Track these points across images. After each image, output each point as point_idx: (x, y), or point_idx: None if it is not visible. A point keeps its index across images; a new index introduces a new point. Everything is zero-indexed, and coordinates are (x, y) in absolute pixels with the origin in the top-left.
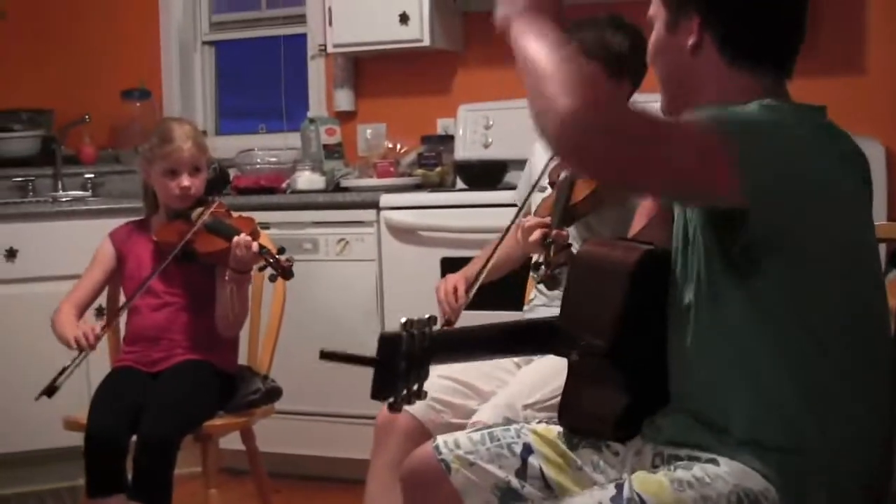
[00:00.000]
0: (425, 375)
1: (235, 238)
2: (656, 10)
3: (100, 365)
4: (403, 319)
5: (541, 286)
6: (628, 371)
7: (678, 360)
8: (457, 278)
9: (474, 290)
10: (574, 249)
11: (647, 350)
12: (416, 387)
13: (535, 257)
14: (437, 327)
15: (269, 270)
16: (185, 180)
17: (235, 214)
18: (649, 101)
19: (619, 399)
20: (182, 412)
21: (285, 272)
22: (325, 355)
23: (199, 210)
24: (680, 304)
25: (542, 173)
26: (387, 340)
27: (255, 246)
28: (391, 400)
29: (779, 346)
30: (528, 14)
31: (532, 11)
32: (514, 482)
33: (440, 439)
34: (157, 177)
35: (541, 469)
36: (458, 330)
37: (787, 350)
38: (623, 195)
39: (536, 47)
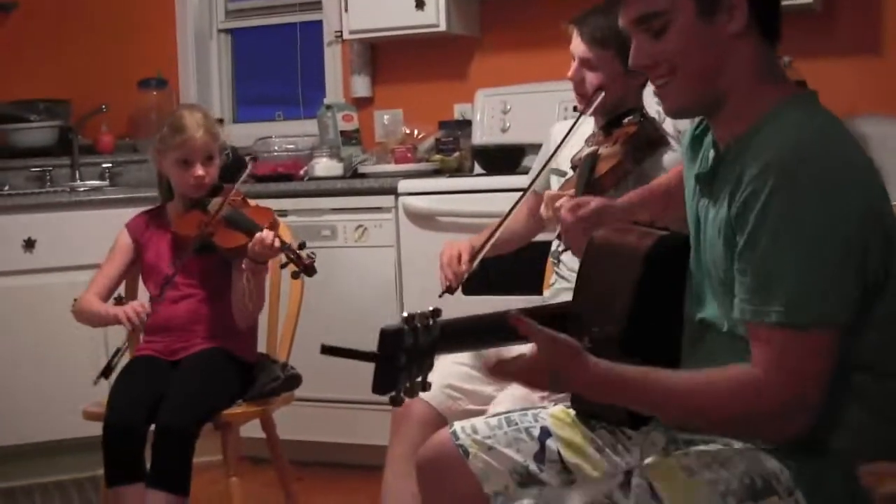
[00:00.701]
0: (429, 367)
1: (257, 235)
2: (671, 4)
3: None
4: (405, 314)
5: (560, 269)
6: (641, 358)
7: (693, 362)
8: (462, 245)
9: (478, 260)
10: None
11: (661, 337)
12: (419, 379)
13: (554, 242)
14: (440, 316)
15: (291, 267)
16: (199, 170)
17: (252, 203)
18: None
19: None
20: (201, 401)
21: (308, 269)
22: (326, 350)
23: (217, 201)
24: (695, 308)
25: (554, 153)
26: (388, 335)
27: (276, 242)
28: (392, 394)
29: None
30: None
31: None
32: (533, 466)
33: (457, 425)
34: (170, 167)
35: (559, 452)
36: (465, 319)
37: None
38: (644, 169)
39: (656, 398)
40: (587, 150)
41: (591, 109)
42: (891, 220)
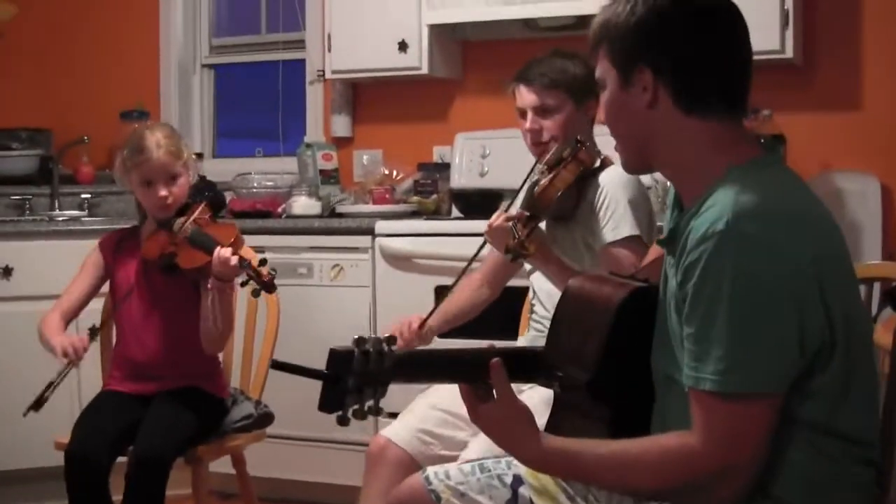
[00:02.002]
0: (382, 393)
1: (215, 252)
2: (605, 72)
3: (92, 383)
4: (356, 336)
5: (534, 316)
6: (610, 405)
7: (660, 415)
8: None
9: (425, 329)
10: (541, 226)
11: (630, 386)
12: (370, 403)
13: (530, 291)
14: (395, 344)
15: (252, 284)
16: (162, 190)
17: (219, 222)
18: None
19: (599, 432)
20: (176, 432)
21: (267, 286)
22: (276, 365)
23: (181, 220)
24: (661, 363)
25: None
26: (336, 355)
27: (234, 260)
28: (339, 414)
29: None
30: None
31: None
32: None
33: (430, 470)
34: (135, 187)
35: (531, 500)
36: (426, 352)
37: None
38: (572, 202)
39: (597, 471)
40: (528, 185)
41: (550, 155)
42: (839, 282)
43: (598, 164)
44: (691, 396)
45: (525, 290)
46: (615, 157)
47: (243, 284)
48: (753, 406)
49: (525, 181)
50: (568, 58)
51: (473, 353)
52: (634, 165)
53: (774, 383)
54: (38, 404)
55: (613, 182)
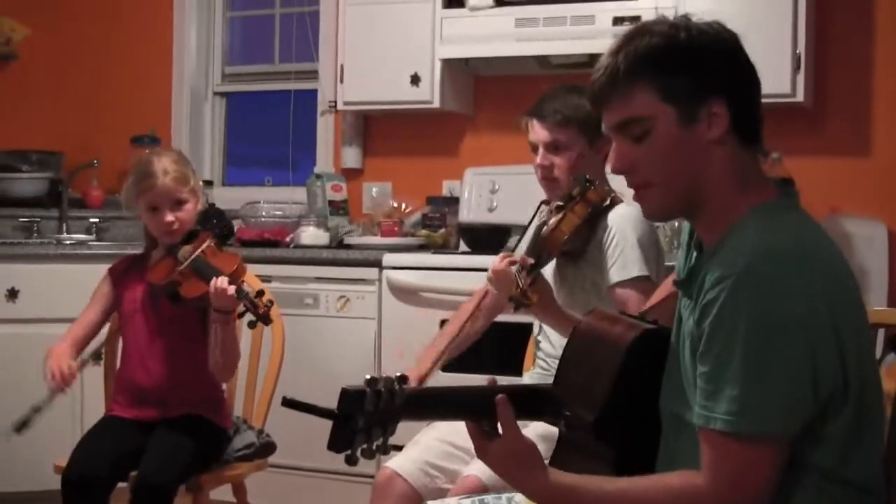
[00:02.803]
0: (391, 432)
1: (213, 282)
2: (649, 108)
3: (94, 407)
4: (368, 376)
5: (540, 354)
6: (614, 446)
7: (668, 456)
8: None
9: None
10: (549, 267)
11: (636, 427)
12: (380, 442)
13: (535, 327)
14: (406, 383)
15: (248, 316)
16: (168, 216)
17: (225, 251)
18: None
19: (603, 472)
20: (180, 459)
21: (263, 318)
22: (287, 403)
23: (188, 249)
24: (672, 405)
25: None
26: (347, 395)
27: (231, 290)
28: (348, 453)
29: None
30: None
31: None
32: None
33: None
34: (142, 212)
35: None
36: (435, 389)
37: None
38: (581, 241)
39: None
40: (535, 225)
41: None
42: (854, 326)
43: (607, 202)
44: (701, 435)
45: (528, 326)
46: (626, 194)
47: (240, 315)
48: (763, 448)
49: (532, 220)
50: (583, 94)
51: (482, 391)
52: (671, 212)
53: (786, 426)
54: (20, 427)
55: (622, 221)
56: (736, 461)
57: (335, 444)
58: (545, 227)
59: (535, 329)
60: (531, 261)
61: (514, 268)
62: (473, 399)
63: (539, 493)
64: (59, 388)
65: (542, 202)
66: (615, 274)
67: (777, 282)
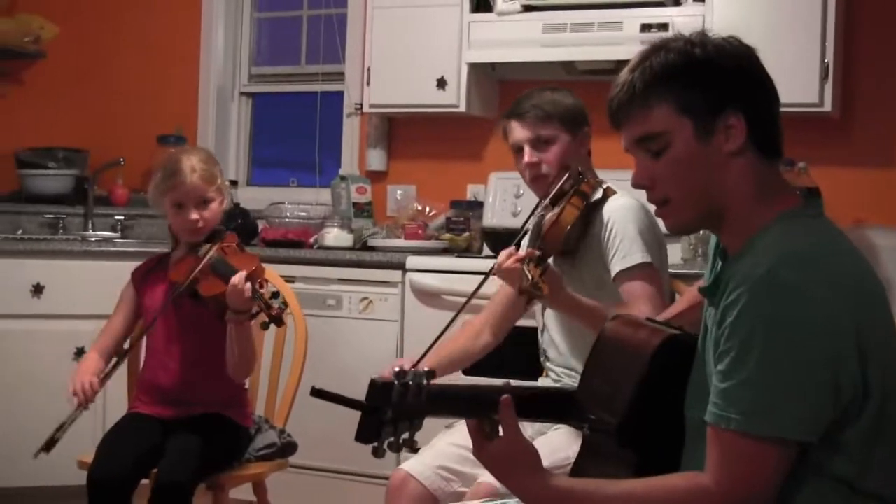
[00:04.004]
0: (417, 427)
1: (230, 282)
2: (666, 122)
3: (117, 404)
4: (397, 368)
5: (549, 364)
6: (638, 451)
7: (691, 463)
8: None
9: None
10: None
11: (659, 433)
12: (405, 436)
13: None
14: (434, 378)
15: (262, 317)
16: (193, 213)
17: (245, 251)
18: None
19: (625, 478)
20: (199, 459)
21: (276, 320)
22: (316, 392)
23: (207, 247)
24: (697, 412)
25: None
26: (376, 386)
27: (247, 290)
28: (374, 445)
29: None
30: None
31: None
32: None
33: None
34: (167, 209)
35: None
36: (461, 387)
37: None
38: (579, 236)
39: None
40: (533, 221)
41: (555, 189)
42: (878, 335)
43: (599, 194)
44: (711, 433)
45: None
46: (618, 187)
47: (253, 316)
48: (773, 450)
49: (528, 219)
50: (555, 90)
51: (515, 391)
52: (693, 226)
53: (801, 430)
54: (48, 446)
55: (620, 212)
56: (744, 461)
57: (362, 435)
58: (545, 222)
59: (540, 338)
60: (538, 252)
61: (519, 264)
62: (495, 399)
63: (534, 497)
64: (83, 404)
65: (538, 202)
66: (618, 263)
67: (798, 287)
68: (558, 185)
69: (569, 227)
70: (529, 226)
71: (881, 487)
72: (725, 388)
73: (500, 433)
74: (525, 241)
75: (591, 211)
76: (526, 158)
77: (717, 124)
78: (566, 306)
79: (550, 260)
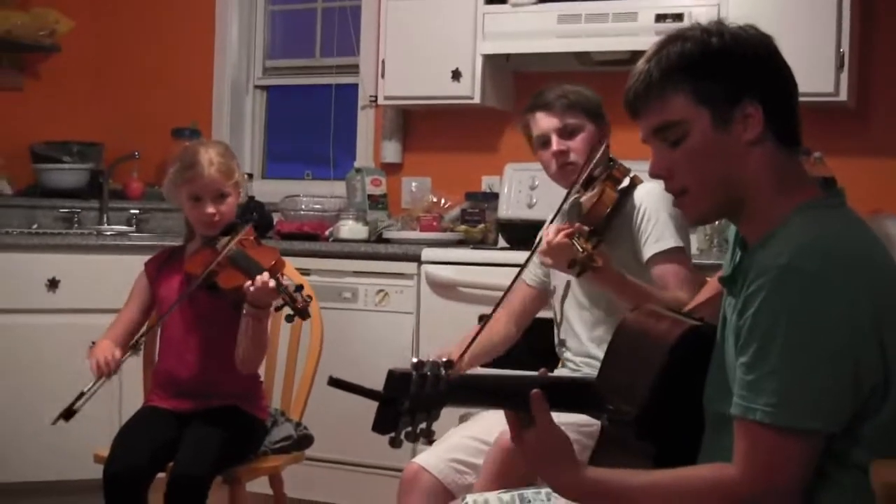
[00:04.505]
0: (435, 417)
1: (256, 278)
2: (684, 112)
3: (133, 398)
4: (415, 359)
5: (568, 356)
6: (656, 442)
7: (712, 453)
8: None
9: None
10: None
11: (679, 425)
12: (423, 426)
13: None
14: (452, 368)
15: (286, 309)
16: (210, 207)
17: (264, 244)
18: None
19: (643, 468)
20: (215, 452)
21: (301, 312)
22: (334, 382)
23: (226, 240)
24: (716, 403)
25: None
26: (394, 377)
27: (271, 283)
28: (392, 435)
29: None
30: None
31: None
32: None
33: (469, 498)
34: (183, 202)
35: None
36: (479, 377)
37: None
38: (610, 221)
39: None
40: (568, 204)
41: (585, 174)
42: None
43: (627, 182)
44: (737, 426)
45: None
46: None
47: (278, 309)
48: (800, 441)
49: (563, 202)
50: (575, 85)
51: (525, 381)
52: (711, 216)
53: (826, 421)
54: (67, 414)
55: (651, 196)
56: (771, 453)
57: (380, 426)
58: (584, 201)
59: (557, 329)
60: (587, 228)
61: (569, 239)
62: (516, 388)
63: (569, 488)
64: (104, 374)
65: (569, 189)
66: (651, 247)
67: (821, 278)
68: (588, 171)
69: (610, 207)
70: (565, 207)
71: None
72: (751, 379)
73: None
74: (557, 223)
75: (621, 197)
76: (554, 147)
77: (735, 114)
78: (615, 281)
79: (563, 285)
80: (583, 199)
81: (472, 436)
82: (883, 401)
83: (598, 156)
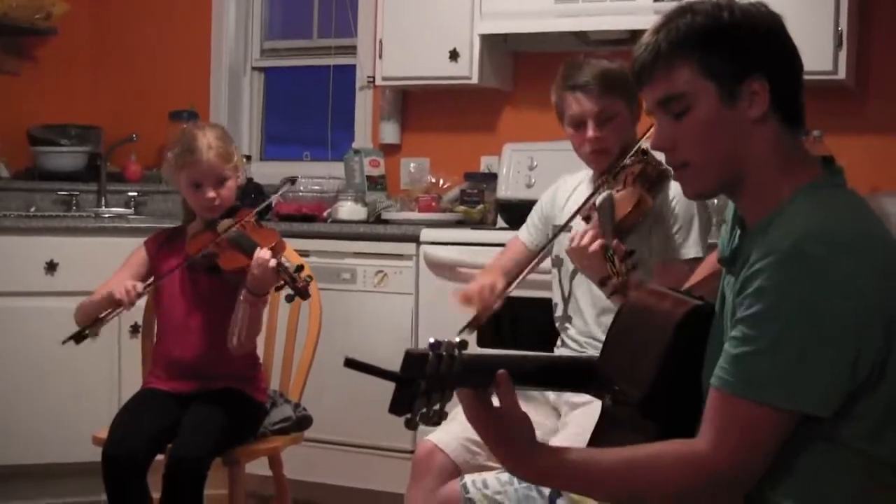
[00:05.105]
0: (448, 398)
1: (255, 256)
2: (690, 85)
3: (132, 380)
4: (432, 340)
5: (569, 333)
6: (659, 423)
7: None
8: (493, 278)
9: (506, 295)
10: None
11: (682, 405)
12: (437, 407)
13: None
14: (465, 336)
15: (286, 290)
16: (210, 192)
17: (264, 226)
18: None
19: None
20: (215, 434)
21: (301, 292)
22: (350, 363)
23: (227, 222)
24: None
25: (572, 215)
26: (411, 358)
27: (272, 263)
28: (407, 416)
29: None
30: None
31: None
32: None
33: (468, 478)
34: (182, 186)
35: None
36: (494, 357)
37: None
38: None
39: (596, 480)
40: (601, 197)
41: (619, 166)
42: None
43: (659, 174)
44: (713, 397)
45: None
46: None
47: (278, 289)
48: (779, 421)
49: (594, 193)
50: (611, 61)
51: (539, 360)
52: (711, 192)
53: (815, 404)
54: (77, 337)
55: (685, 197)
56: (748, 430)
57: (396, 407)
58: (616, 201)
59: (561, 307)
60: (626, 248)
61: (603, 251)
62: (530, 368)
63: (528, 471)
64: (127, 306)
65: (598, 177)
66: (674, 250)
67: (824, 263)
68: (622, 163)
69: (641, 219)
70: (597, 200)
71: (891, 453)
72: (737, 353)
73: (493, 402)
74: (578, 219)
75: (657, 186)
76: (590, 133)
77: (742, 90)
78: None
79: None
80: (616, 196)
81: None
82: (879, 381)
83: (635, 149)
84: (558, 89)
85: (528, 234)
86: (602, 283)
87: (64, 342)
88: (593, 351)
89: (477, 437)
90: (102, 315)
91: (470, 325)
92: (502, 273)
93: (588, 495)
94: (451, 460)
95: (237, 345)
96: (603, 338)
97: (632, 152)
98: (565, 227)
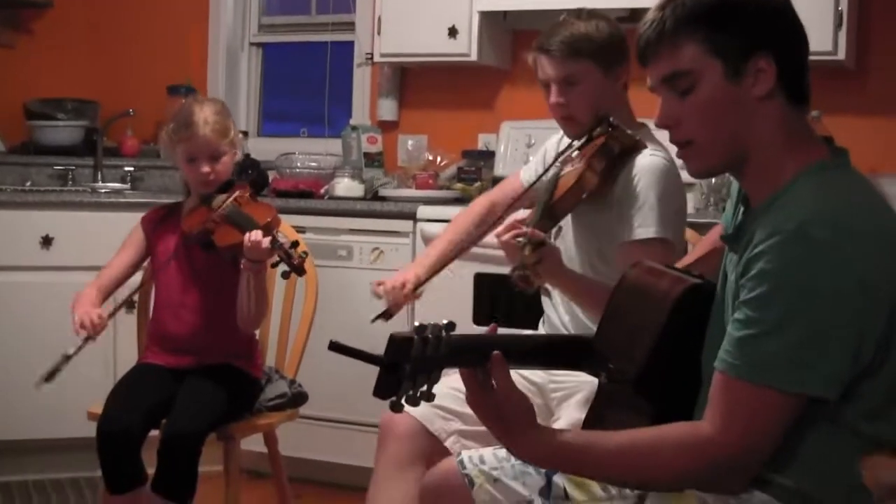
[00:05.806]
0: (436, 379)
1: (247, 234)
2: (695, 62)
3: (127, 355)
4: (417, 324)
5: (551, 302)
6: (654, 401)
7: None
8: (416, 271)
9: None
10: (553, 244)
11: (677, 383)
12: (424, 389)
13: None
14: (454, 330)
15: (282, 266)
16: (205, 166)
17: (260, 200)
18: None
19: (640, 427)
20: (210, 409)
21: (297, 269)
22: (334, 346)
23: (222, 198)
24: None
25: (554, 161)
26: (396, 342)
27: (266, 242)
28: (393, 399)
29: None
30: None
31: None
32: (538, 501)
33: (465, 454)
34: (179, 161)
35: (565, 489)
36: (481, 337)
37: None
38: (603, 191)
39: (601, 464)
40: (552, 173)
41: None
42: None
43: (629, 147)
44: (718, 380)
45: None
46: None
47: (274, 265)
48: (785, 405)
49: (555, 160)
50: (592, 19)
51: (528, 340)
52: (715, 170)
53: (819, 387)
54: (50, 376)
55: (648, 171)
56: (754, 414)
57: (381, 391)
58: (561, 178)
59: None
60: (541, 236)
61: (518, 240)
62: (518, 347)
63: (525, 451)
64: (91, 336)
65: (569, 144)
66: (630, 231)
67: (830, 245)
68: (587, 134)
69: (584, 195)
70: (547, 176)
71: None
72: (741, 336)
73: (493, 384)
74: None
75: (620, 161)
76: (551, 98)
77: (747, 67)
78: (561, 288)
79: (555, 231)
80: (562, 173)
81: (453, 387)
82: (882, 363)
83: (601, 121)
84: (532, 51)
85: (526, 175)
86: (513, 269)
87: (37, 385)
88: (569, 320)
89: (448, 405)
90: (72, 352)
91: (382, 317)
92: (429, 265)
93: (590, 478)
94: (419, 422)
95: (248, 316)
96: (577, 311)
97: (597, 123)
98: (520, 200)
